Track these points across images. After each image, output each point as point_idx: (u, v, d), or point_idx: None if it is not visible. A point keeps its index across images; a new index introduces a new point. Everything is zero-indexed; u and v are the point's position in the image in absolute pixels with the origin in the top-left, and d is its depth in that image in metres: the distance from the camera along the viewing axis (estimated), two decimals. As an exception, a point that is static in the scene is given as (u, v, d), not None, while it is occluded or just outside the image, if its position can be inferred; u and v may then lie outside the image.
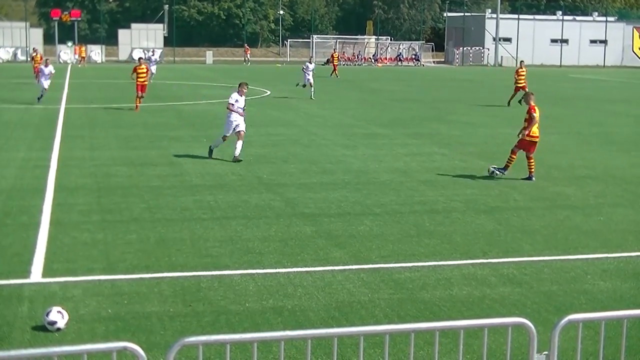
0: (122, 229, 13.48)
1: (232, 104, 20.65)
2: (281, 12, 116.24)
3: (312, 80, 41.97)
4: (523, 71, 40.07)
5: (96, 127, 27.68)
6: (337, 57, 70.10)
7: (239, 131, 20.74)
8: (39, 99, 35.48)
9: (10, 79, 53.28)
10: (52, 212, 14.61)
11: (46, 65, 36.15)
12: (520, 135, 18.70)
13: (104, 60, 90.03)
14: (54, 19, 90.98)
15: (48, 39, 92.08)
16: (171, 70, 69.51)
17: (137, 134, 26.11)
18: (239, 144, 20.69)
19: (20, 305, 9.80)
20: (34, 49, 63.14)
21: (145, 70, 34.35)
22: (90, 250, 12.17)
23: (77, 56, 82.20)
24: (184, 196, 16.30)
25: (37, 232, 13.12)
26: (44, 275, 10.99)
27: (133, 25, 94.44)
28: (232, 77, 61.14)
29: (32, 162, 20.19)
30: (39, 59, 48.44)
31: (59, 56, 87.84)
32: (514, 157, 18.83)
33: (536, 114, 18.34)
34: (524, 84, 38.89)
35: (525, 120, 18.67)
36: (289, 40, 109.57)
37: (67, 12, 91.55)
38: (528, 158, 18.75)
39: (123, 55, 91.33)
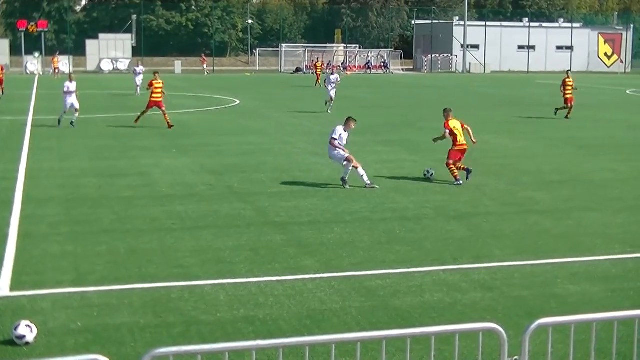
0: (92, 241, 13.38)
1: (335, 139, 18.42)
2: (250, 21, 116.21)
3: (333, 95, 38.79)
4: (570, 81, 36.91)
5: (65, 138, 27.48)
6: (321, 65, 67.78)
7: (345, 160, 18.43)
8: (59, 121, 30.62)
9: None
10: (20, 224, 14.48)
11: (71, 81, 31.04)
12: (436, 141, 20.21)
13: (71, 71, 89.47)
14: (21, 29, 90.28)
15: (15, 50, 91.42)
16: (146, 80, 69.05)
17: (107, 144, 25.94)
18: (361, 171, 18.34)
19: (-11, 319, 9.70)
20: None
21: (161, 84, 31.28)
22: (59, 262, 12.07)
23: (52, 67, 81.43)
24: (154, 207, 16.23)
25: (4, 245, 12.98)
26: (12, 288, 10.88)
27: (101, 36, 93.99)
28: (201, 86, 61.05)
29: (2, 172, 20.03)
30: None
31: (26, 67, 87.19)
32: (454, 167, 19.11)
33: (447, 131, 19.28)
34: (570, 95, 36.65)
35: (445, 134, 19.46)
36: (257, 49, 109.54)
37: (33, 23, 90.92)
38: (448, 165, 19.18)
39: (91, 66, 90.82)
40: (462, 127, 19.53)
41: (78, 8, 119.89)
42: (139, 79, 50.40)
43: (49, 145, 25.69)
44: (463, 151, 19.38)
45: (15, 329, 8.86)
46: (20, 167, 21.12)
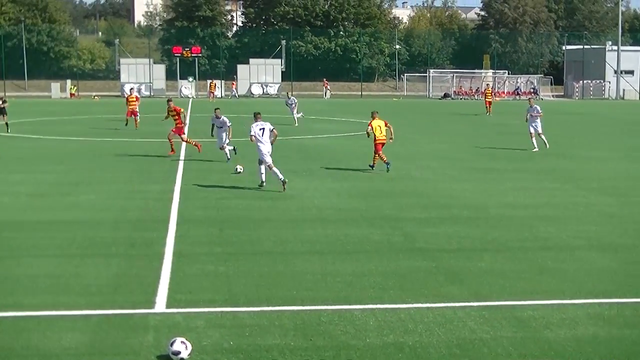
0: (243, 262, 13.65)
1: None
2: (397, 46, 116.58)
3: (540, 128, 33.28)
4: None
5: (216, 158, 28.19)
6: (491, 92, 63.21)
7: None
8: (228, 159, 27.86)
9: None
10: (175, 244, 14.92)
11: (217, 117, 27.93)
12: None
13: (223, 94, 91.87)
14: (176, 55, 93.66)
15: (170, 75, 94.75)
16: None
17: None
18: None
19: (146, 334, 10.03)
20: (131, 88, 60.24)
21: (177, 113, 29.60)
22: (212, 282, 12.37)
23: (208, 92, 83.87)
24: (309, 229, 16.43)
25: (161, 263, 13.42)
26: (168, 305, 11.22)
27: (251, 61, 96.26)
28: (348, 111, 61.53)
29: (156, 194, 20.74)
30: (134, 99, 42.97)
31: (181, 91, 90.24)
32: (377, 156, 25.25)
33: (369, 127, 25.49)
34: None
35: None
36: (405, 74, 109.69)
37: (188, 49, 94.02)
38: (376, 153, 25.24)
39: (242, 90, 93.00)
40: (385, 124, 25.44)
41: (230, 34, 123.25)
42: (294, 111, 47.18)
43: (200, 167, 26.42)
44: (382, 144, 25.28)
45: (171, 345, 9.15)
46: (175, 187, 21.82)
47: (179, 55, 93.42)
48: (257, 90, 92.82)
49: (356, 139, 37.67)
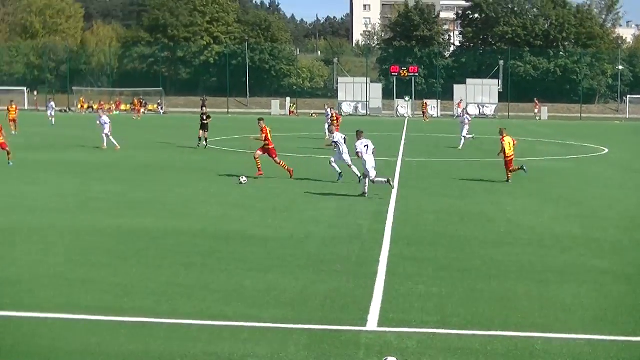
0: (455, 282, 13.46)
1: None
2: (620, 67, 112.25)
3: None
4: None
5: (430, 177, 28.14)
6: None
7: None
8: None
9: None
10: (389, 262, 14.94)
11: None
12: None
13: (439, 114, 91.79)
14: (393, 74, 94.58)
15: (387, 94, 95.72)
16: (506, 126, 69.22)
17: (468, 186, 26.13)
18: None
19: (357, 351, 10.05)
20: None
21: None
22: (424, 302, 12.25)
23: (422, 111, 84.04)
24: (520, 250, 16.04)
25: (374, 282, 13.46)
26: (380, 324, 11.20)
27: (468, 81, 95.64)
28: (567, 134, 59.81)
29: (371, 212, 20.90)
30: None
31: (397, 110, 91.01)
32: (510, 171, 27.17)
33: (502, 144, 27.60)
34: None
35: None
36: (628, 96, 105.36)
37: (405, 68, 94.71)
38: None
39: (456, 110, 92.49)
40: (513, 142, 27.76)
41: (447, 53, 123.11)
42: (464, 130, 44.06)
43: (416, 184, 26.43)
44: (512, 160, 27.46)
45: (384, 364, 9.15)
46: (389, 206, 21.91)
47: (396, 74, 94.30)
48: (473, 110, 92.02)
49: (578, 162, 36.54)
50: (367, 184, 23.56)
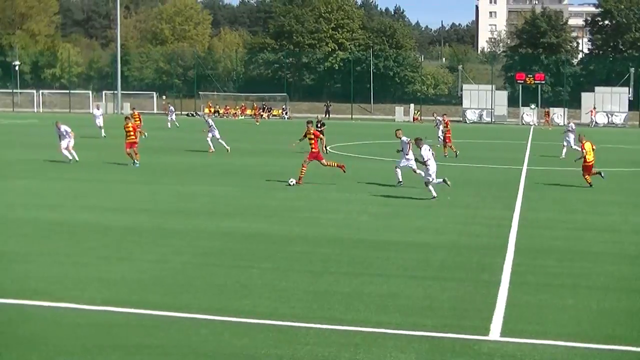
0: (579, 294, 13.13)
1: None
2: None
3: None
4: None
5: (555, 187, 27.58)
6: None
7: None
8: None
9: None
10: (513, 272, 14.69)
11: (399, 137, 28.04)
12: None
13: (566, 122, 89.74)
14: (519, 82, 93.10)
15: (512, 101, 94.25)
16: (636, 135, 67.39)
17: (596, 197, 25.46)
18: None
19: (479, 361, 9.95)
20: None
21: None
22: (549, 314, 11.97)
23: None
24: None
25: (497, 291, 13.26)
26: (503, 334, 11.02)
27: (597, 89, 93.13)
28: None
29: (494, 220, 20.64)
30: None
31: (522, 118, 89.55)
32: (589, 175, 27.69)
33: (583, 150, 27.99)
34: None
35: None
36: None
37: (531, 76, 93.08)
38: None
39: (585, 118, 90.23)
40: (592, 147, 27.78)
41: (575, 61, 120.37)
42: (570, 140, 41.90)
43: (543, 194, 25.93)
44: (592, 165, 27.77)
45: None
46: (514, 214, 21.57)
47: (522, 82, 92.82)
48: (601, 119, 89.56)
49: None
50: (435, 185, 24.18)
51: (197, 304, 12.16)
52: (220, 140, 39.41)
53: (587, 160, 27.79)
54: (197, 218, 20.12)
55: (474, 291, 13.25)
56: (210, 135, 39.77)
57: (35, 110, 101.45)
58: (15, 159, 35.15)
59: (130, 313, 11.69)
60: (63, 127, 33.61)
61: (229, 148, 39.06)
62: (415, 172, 26.96)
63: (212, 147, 39.59)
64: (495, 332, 11.08)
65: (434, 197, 23.88)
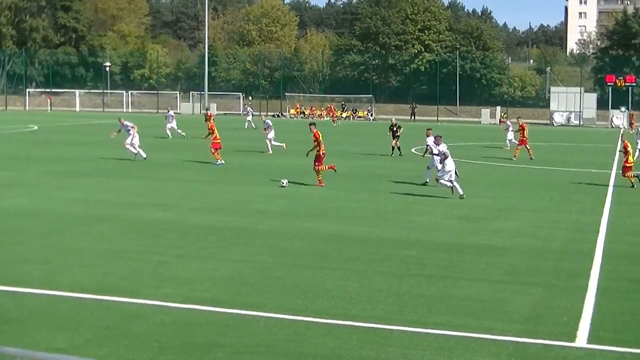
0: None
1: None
2: None
3: None
4: None
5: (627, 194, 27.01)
6: None
7: None
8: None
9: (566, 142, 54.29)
10: (600, 278, 14.39)
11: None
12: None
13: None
14: (609, 84, 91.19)
15: (601, 104, 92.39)
16: None
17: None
18: None
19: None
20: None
21: None
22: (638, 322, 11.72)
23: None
24: None
25: (584, 297, 13.00)
26: (590, 341, 10.80)
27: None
28: None
29: (582, 225, 20.25)
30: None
31: (611, 121, 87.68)
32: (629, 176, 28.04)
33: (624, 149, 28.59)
34: None
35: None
36: None
37: (622, 78, 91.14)
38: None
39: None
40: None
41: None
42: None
43: (632, 199, 25.34)
44: (631, 167, 28.16)
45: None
46: (602, 219, 21.13)
47: (612, 84, 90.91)
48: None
49: None
50: (456, 185, 24.37)
51: (279, 303, 12.22)
52: (274, 142, 40.32)
53: (629, 161, 28.53)
54: (279, 219, 20.28)
55: (561, 297, 13.01)
56: (269, 136, 40.48)
57: (125, 110, 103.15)
58: (87, 157, 35.85)
59: (209, 311, 11.83)
60: (126, 123, 35.09)
61: (271, 151, 40.06)
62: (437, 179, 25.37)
63: (269, 149, 40.22)
64: (582, 340, 10.85)
65: (461, 195, 24.12)
